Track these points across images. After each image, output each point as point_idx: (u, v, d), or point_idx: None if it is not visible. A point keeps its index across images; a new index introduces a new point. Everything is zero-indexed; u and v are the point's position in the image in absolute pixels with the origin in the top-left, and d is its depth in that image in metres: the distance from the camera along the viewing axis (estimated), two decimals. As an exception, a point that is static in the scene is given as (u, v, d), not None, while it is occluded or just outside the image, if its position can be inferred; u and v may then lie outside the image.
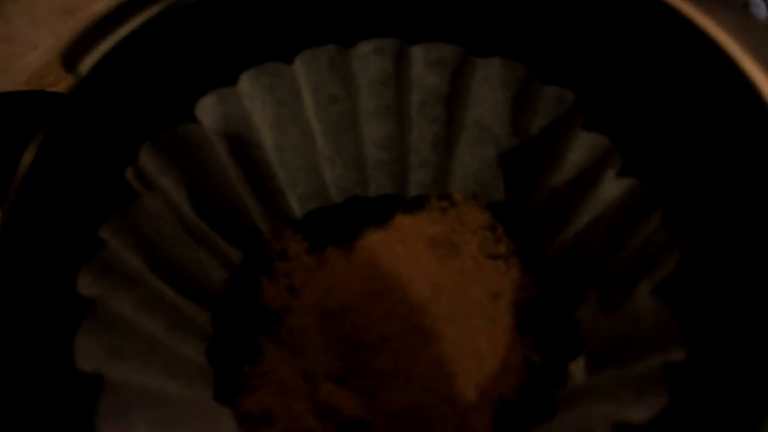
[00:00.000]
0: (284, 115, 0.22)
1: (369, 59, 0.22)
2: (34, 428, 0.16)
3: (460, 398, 0.19)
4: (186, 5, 0.21)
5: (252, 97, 0.22)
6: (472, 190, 0.24)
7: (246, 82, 0.21)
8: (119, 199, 0.19)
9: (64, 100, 0.20)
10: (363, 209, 0.24)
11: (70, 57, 0.20)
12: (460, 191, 0.24)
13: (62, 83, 0.37)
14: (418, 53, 0.22)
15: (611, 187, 0.20)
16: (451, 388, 0.19)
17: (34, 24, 0.34)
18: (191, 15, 0.21)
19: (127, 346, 0.17)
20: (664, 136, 0.19)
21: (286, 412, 0.19)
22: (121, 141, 0.20)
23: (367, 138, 0.23)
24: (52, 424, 0.16)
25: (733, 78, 0.18)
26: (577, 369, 0.20)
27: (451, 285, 0.21)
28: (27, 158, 0.19)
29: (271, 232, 0.23)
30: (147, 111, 0.21)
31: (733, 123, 0.18)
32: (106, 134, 0.20)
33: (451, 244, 0.22)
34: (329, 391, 0.19)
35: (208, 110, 0.21)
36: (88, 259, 0.18)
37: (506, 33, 0.21)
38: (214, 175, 0.22)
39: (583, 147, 0.20)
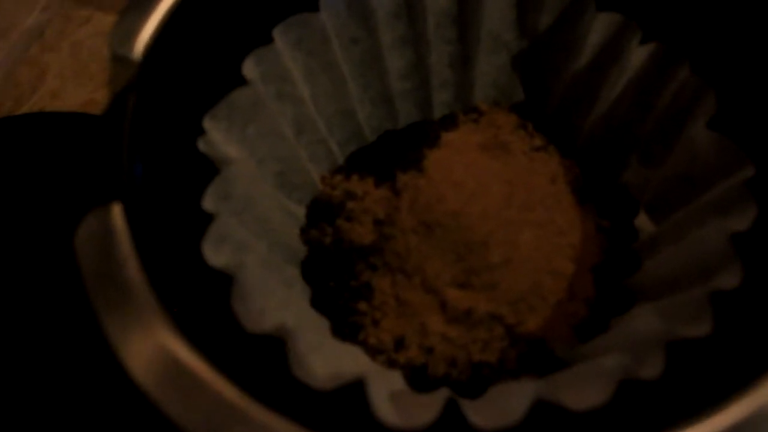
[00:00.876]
0: (314, 64, 0.23)
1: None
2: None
3: (563, 270, 0.21)
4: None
5: (284, 52, 0.22)
6: (492, 97, 0.25)
7: (278, 38, 0.22)
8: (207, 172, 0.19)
9: (132, 84, 0.19)
10: (397, 141, 0.25)
11: (121, 45, 0.19)
12: (482, 101, 0.25)
13: (25, 104, 0.34)
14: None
15: (635, 56, 0.22)
16: (552, 264, 0.21)
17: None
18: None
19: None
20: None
21: (420, 329, 0.21)
22: (186, 117, 0.20)
23: (391, 71, 0.24)
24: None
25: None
26: (643, 222, 0.23)
27: (518, 178, 0.22)
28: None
29: (322, 183, 0.24)
30: (201, 84, 0.21)
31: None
32: (170, 113, 0.20)
33: (500, 145, 0.23)
34: (456, 296, 0.20)
35: (252, 72, 0.21)
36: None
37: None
38: (270, 135, 0.22)
39: (599, 28, 0.23)
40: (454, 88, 0.25)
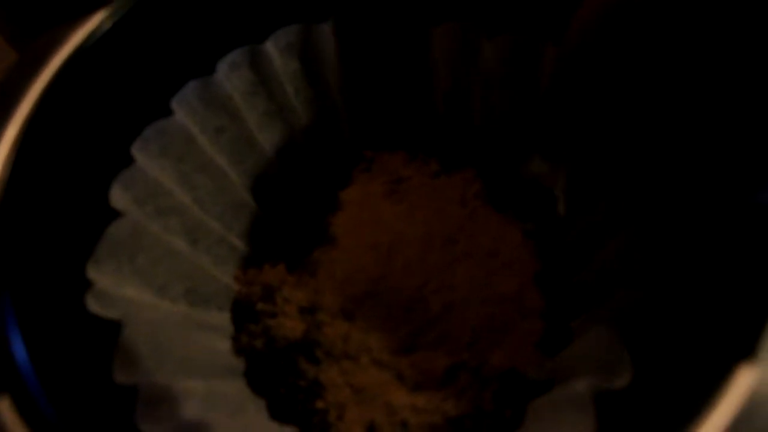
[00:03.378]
0: (186, 168, 0.21)
1: (231, 77, 0.22)
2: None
3: (507, 292, 0.20)
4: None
5: (150, 166, 0.20)
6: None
7: (138, 155, 0.20)
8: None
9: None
10: (297, 214, 0.24)
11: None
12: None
13: None
14: (269, 47, 0.22)
15: (488, 51, 0.22)
16: (494, 290, 0.20)
17: None
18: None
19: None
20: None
21: (387, 409, 0.19)
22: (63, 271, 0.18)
23: (267, 147, 0.23)
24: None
25: None
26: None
27: (429, 214, 0.21)
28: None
29: (237, 282, 0.22)
30: (68, 231, 0.19)
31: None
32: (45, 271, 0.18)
33: (399, 187, 0.23)
34: (410, 363, 0.19)
35: (121, 200, 0.19)
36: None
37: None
38: (164, 257, 0.20)
39: (441, 42, 0.22)
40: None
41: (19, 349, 0.16)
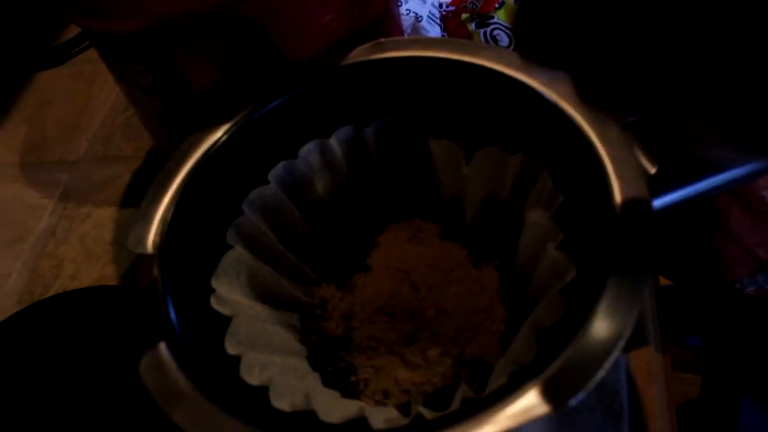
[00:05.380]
0: (274, 219, 0.32)
1: (307, 159, 0.33)
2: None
3: (482, 305, 0.30)
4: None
5: (253, 218, 0.32)
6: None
7: (247, 209, 0.31)
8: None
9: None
10: (350, 250, 0.34)
11: (135, 247, 0.29)
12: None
13: (52, 288, 0.43)
14: (332, 140, 0.33)
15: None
16: (474, 304, 0.30)
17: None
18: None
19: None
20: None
21: (395, 382, 0.29)
22: (199, 282, 0.29)
23: (331, 207, 0.34)
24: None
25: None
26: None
27: (436, 253, 0.32)
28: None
29: (305, 296, 0.33)
30: (203, 255, 0.30)
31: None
32: (187, 281, 0.29)
33: (419, 235, 0.33)
34: (412, 351, 0.29)
35: (233, 238, 0.31)
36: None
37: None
38: (258, 277, 0.31)
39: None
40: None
41: (173, 319, 0.27)
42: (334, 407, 0.26)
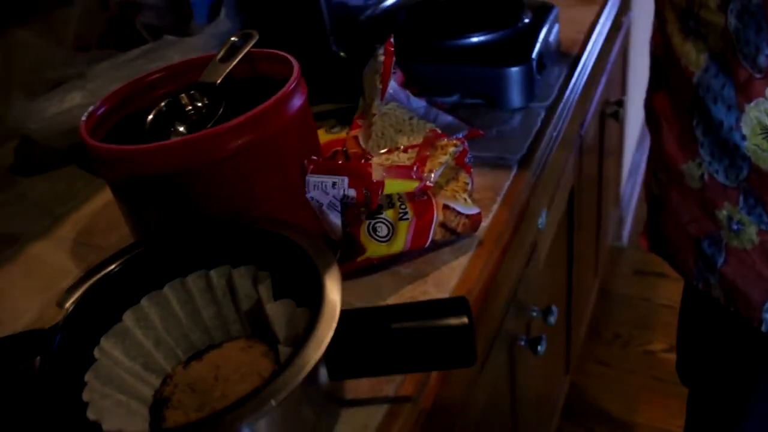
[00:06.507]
0: (162, 312, 0.50)
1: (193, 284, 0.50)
2: None
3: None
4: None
5: (148, 308, 0.49)
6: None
7: (144, 302, 0.49)
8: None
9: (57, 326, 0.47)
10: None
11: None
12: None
13: None
14: (212, 273, 0.51)
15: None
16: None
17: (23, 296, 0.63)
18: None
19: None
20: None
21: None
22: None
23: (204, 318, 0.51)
24: None
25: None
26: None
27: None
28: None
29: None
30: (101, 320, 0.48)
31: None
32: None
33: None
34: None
35: (129, 318, 0.48)
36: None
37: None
38: (139, 345, 0.49)
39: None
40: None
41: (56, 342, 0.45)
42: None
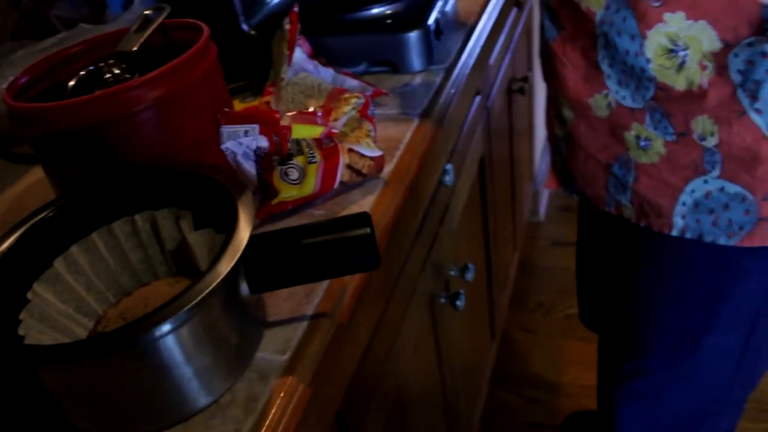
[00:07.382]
0: (79, 270, 0.54)
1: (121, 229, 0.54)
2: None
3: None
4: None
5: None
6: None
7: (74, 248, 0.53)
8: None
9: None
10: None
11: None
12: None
13: None
14: (137, 217, 0.55)
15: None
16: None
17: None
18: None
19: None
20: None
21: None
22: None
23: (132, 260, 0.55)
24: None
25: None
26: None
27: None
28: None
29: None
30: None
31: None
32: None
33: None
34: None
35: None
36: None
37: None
38: (75, 295, 0.52)
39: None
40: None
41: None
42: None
